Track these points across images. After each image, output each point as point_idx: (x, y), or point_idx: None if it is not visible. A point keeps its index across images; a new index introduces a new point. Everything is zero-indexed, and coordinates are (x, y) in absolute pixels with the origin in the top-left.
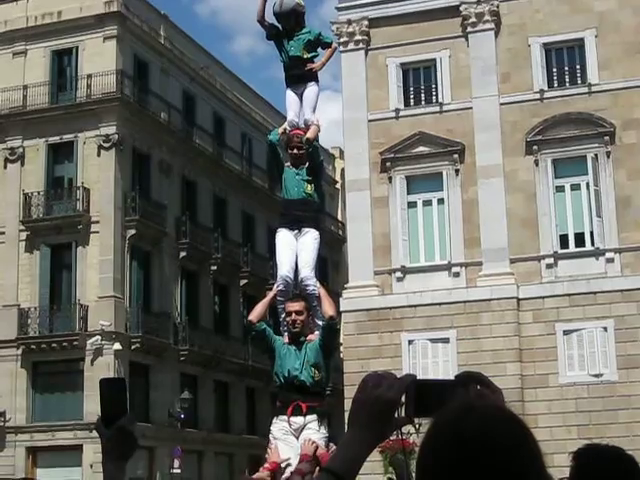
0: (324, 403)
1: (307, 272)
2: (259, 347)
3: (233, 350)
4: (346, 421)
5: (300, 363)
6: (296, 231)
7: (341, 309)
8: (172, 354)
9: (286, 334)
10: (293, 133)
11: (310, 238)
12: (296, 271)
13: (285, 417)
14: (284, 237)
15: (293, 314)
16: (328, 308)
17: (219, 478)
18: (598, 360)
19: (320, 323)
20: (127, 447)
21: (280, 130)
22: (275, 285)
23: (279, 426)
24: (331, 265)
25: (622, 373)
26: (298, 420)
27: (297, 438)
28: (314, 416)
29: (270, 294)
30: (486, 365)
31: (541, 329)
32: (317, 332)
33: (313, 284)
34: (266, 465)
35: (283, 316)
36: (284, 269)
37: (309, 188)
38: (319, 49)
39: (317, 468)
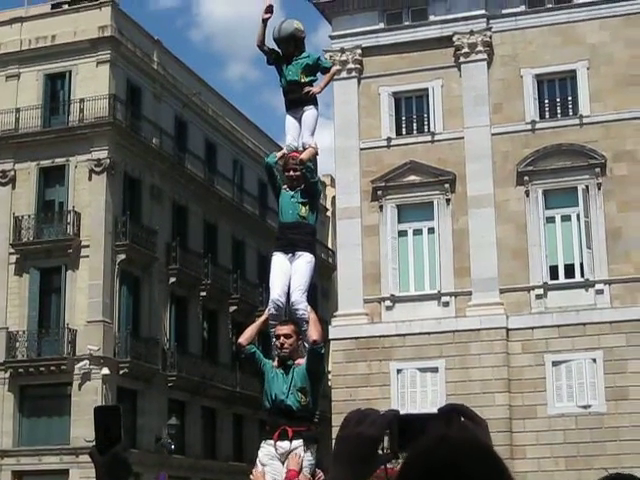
0: (312, 428)
1: (297, 296)
2: (249, 370)
3: (221, 377)
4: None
5: (287, 387)
6: (290, 254)
7: (330, 337)
8: (160, 380)
9: (277, 358)
10: (290, 156)
11: (303, 262)
12: (289, 295)
13: (272, 442)
14: (278, 260)
15: (281, 337)
16: (313, 332)
17: None
18: (587, 391)
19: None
20: (121, 474)
21: (279, 154)
22: (267, 309)
23: (265, 451)
24: (321, 293)
25: (610, 405)
26: (284, 445)
27: (283, 463)
28: (300, 441)
29: (261, 318)
30: (475, 395)
31: (530, 360)
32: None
33: (303, 308)
34: None
35: (274, 340)
36: (275, 293)
37: (303, 211)
38: (318, 74)
39: None
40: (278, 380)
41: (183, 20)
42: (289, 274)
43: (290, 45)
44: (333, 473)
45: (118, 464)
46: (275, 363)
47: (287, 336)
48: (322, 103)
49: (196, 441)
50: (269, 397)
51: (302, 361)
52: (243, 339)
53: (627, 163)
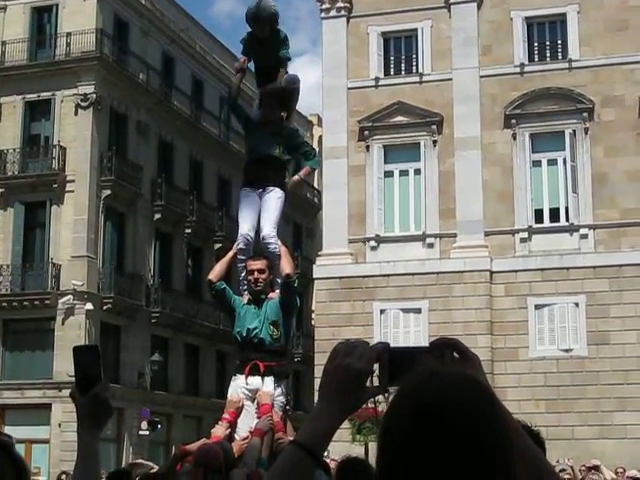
0: (283, 363)
1: (268, 230)
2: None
3: (205, 314)
4: (316, 391)
5: (260, 321)
6: (260, 190)
7: (314, 276)
8: (144, 316)
9: (245, 294)
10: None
11: (273, 196)
12: (258, 230)
13: (242, 376)
14: (247, 196)
15: (255, 272)
16: (285, 266)
17: (187, 440)
18: (568, 335)
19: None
20: (102, 414)
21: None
22: (235, 244)
23: (235, 384)
24: (305, 232)
25: (592, 349)
26: (255, 381)
27: (253, 400)
28: (271, 378)
29: (230, 253)
30: (457, 337)
31: (513, 303)
32: (277, 290)
33: (274, 242)
34: (225, 415)
35: (243, 275)
36: (245, 227)
37: (277, 151)
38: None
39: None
40: (250, 315)
41: None
42: (258, 209)
43: (266, 27)
44: (319, 407)
45: (99, 404)
46: (245, 299)
47: (261, 271)
48: (310, 40)
49: (179, 377)
50: (241, 332)
51: (274, 295)
52: (213, 275)
53: (615, 108)
